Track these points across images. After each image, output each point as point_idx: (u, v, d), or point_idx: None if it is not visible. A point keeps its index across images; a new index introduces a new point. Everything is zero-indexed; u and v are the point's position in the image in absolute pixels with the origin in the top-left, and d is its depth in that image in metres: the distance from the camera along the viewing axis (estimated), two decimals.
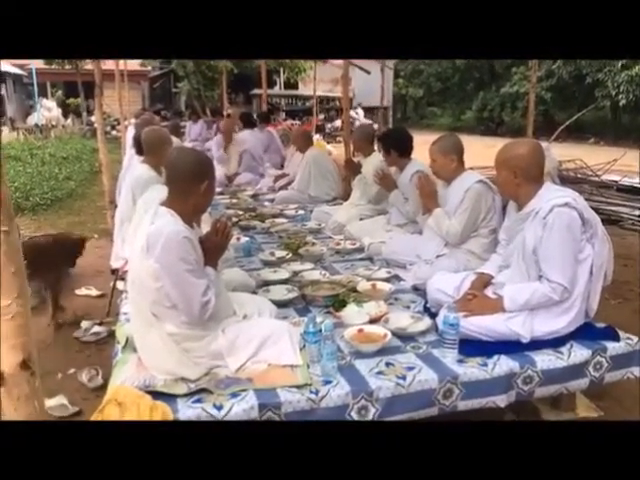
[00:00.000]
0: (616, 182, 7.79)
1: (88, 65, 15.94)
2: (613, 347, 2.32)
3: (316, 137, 14.12)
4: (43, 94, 20.02)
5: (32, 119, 17.86)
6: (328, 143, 14.00)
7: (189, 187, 2.09)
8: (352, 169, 4.86)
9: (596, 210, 2.46)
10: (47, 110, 17.88)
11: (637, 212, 6.61)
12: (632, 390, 2.61)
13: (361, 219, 4.32)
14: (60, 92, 21.41)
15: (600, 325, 2.45)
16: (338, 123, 18.34)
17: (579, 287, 2.28)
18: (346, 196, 5.18)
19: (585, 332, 2.36)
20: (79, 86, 19.53)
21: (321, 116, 19.58)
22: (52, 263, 3.47)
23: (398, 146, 3.82)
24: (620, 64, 16.40)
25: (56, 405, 2.57)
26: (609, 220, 6.02)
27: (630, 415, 2.48)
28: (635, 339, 2.38)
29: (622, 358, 2.33)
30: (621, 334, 2.40)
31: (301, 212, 5.14)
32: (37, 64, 18.70)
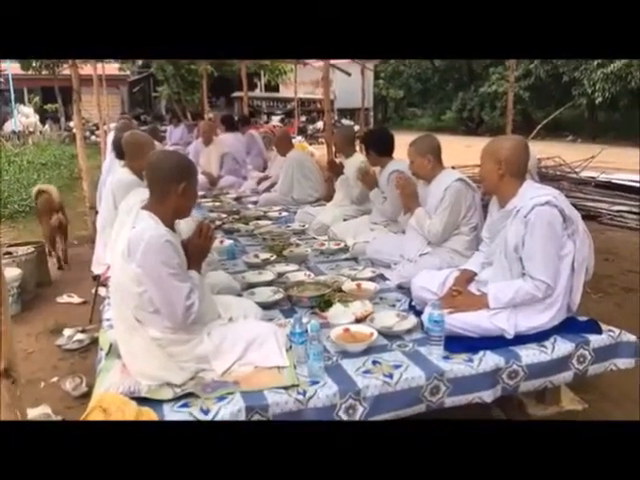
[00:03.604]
0: (594, 178, 7.92)
1: (66, 70, 15.74)
2: (596, 340, 2.35)
3: (298, 139, 14.15)
4: (20, 100, 19.72)
5: (9, 126, 17.57)
6: (310, 145, 14.01)
7: (167, 189, 2.07)
8: (335, 170, 4.87)
9: (575, 206, 2.50)
10: (24, 116, 17.60)
11: (615, 207, 6.73)
12: (616, 382, 2.65)
13: (345, 220, 4.34)
14: (37, 98, 21.11)
15: (582, 319, 2.48)
16: (320, 125, 18.38)
17: (561, 283, 2.31)
18: (329, 197, 5.19)
19: (568, 326, 2.39)
20: (56, 91, 19.29)
21: (303, 118, 19.59)
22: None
23: (376, 146, 3.86)
24: (596, 62, 16.68)
25: (39, 414, 2.52)
26: (588, 216, 6.13)
27: (615, 407, 2.52)
28: (617, 331, 2.42)
29: (605, 350, 2.36)
30: (603, 327, 2.43)
31: (285, 214, 5.13)
32: (14, 70, 18.42)
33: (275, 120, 19.62)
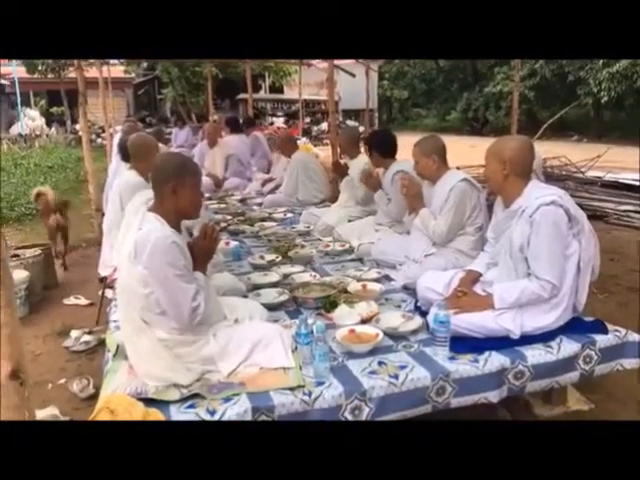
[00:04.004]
0: (600, 178, 7.88)
1: (71, 73, 15.83)
2: (602, 340, 2.35)
3: (303, 140, 14.16)
4: (26, 103, 19.83)
5: (15, 129, 17.70)
6: (315, 146, 14.02)
7: (161, 189, 2.09)
8: (339, 171, 4.88)
9: (581, 206, 2.49)
10: (31, 119, 17.73)
11: (622, 207, 6.69)
12: (622, 382, 2.64)
13: (350, 221, 4.34)
14: (43, 101, 21.23)
15: (588, 319, 2.47)
16: (324, 126, 18.38)
17: (567, 283, 2.30)
18: (334, 198, 5.19)
19: (574, 326, 2.38)
20: (62, 95, 19.40)
21: (307, 119, 19.60)
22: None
23: (380, 147, 3.86)
24: (601, 62, 16.59)
25: (47, 416, 2.53)
26: (594, 215, 6.10)
27: (622, 407, 2.51)
28: (623, 331, 2.41)
29: (611, 350, 2.36)
30: (609, 327, 2.42)
31: (290, 215, 5.14)
32: (20, 73, 18.53)
33: (279, 122, 19.65)
